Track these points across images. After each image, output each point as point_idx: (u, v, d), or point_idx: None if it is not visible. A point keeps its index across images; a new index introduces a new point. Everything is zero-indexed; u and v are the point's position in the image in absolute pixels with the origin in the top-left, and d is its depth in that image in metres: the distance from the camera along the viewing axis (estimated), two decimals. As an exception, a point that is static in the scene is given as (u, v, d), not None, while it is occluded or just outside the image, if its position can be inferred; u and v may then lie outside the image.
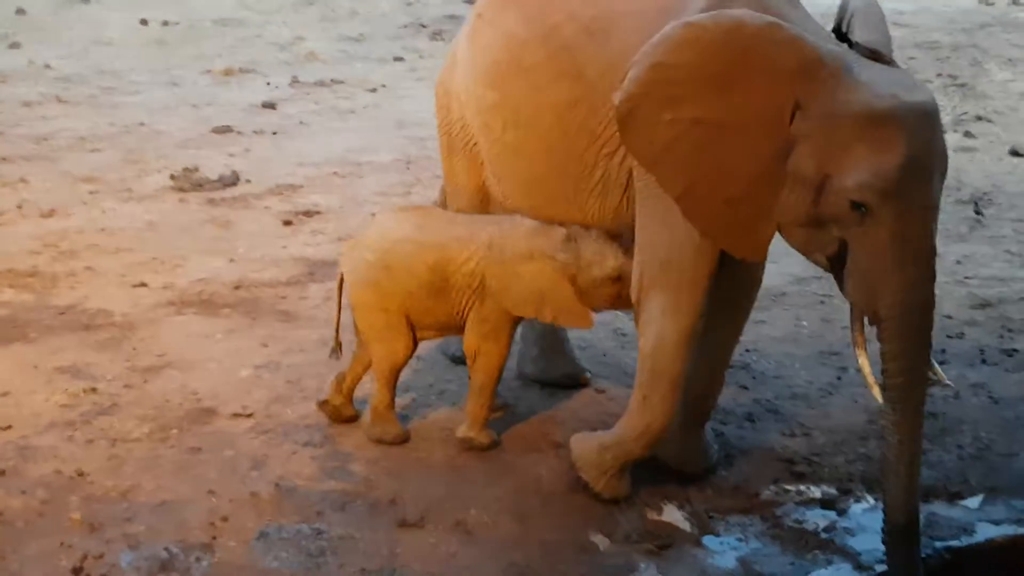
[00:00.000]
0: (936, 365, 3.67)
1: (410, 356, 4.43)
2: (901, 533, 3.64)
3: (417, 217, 4.41)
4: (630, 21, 3.95)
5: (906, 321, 3.50)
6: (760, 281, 4.24)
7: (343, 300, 4.46)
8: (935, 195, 3.49)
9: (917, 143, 3.40)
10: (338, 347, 4.49)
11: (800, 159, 3.52)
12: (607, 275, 4.20)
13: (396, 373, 4.43)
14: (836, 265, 3.61)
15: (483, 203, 4.65)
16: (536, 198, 4.35)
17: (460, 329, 4.40)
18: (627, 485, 4.21)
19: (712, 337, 4.19)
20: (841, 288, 3.65)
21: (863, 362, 3.65)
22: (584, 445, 4.24)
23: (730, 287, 4.13)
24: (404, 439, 4.47)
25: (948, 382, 3.89)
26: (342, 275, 4.41)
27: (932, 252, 3.52)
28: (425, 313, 4.34)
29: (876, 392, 3.61)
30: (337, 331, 4.48)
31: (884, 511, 3.68)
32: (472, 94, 4.46)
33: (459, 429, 4.46)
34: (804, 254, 3.73)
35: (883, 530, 3.68)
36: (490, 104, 4.35)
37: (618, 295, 4.22)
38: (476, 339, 4.35)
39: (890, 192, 3.40)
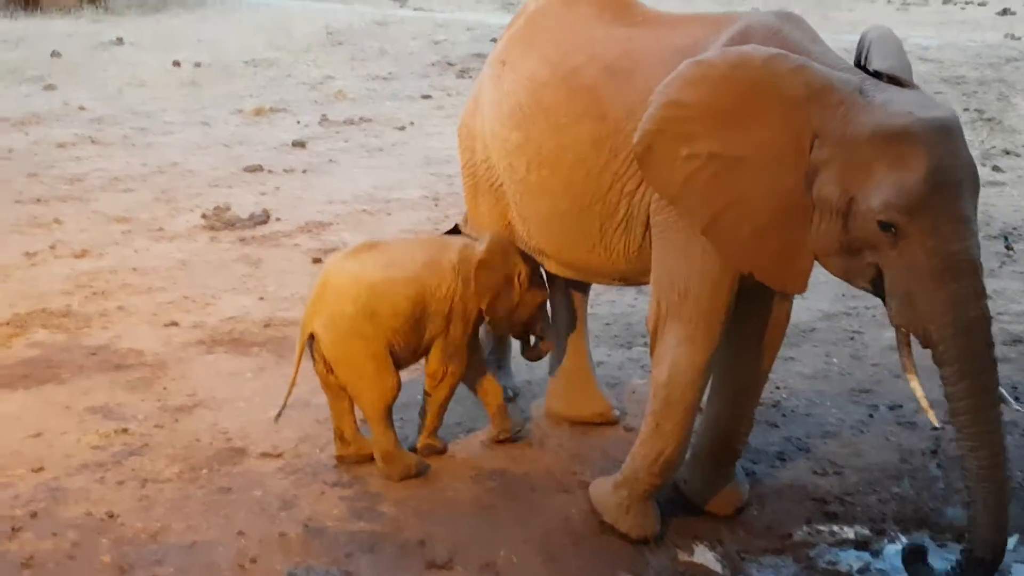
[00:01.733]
0: (1003, 390, 3.52)
1: (400, 388, 4.44)
2: (984, 568, 3.48)
3: (375, 255, 4.38)
4: (651, 62, 4.00)
5: (961, 341, 3.39)
6: (788, 318, 4.22)
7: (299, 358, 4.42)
8: (965, 208, 3.41)
9: (938, 157, 3.37)
10: (280, 414, 4.48)
11: (823, 186, 3.52)
12: (540, 300, 4.62)
13: (391, 409, 4.44)
14: (880, 289, 3.56)
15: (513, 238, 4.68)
16: (561, 237, 4.38)
17: (426, 353, 4.50)
18: (654, 522, 4.18)
19: (741, 375, 4.19)
20: (888, 311, 3.58)
21: (915, 385, 3.54)
22: (600, 489, 4.26)
23: (758, 324, 4.13)
24: (425, 468, 4.50)
25: (1017, 407, 3.79)
26: (310, 337, 4.32)
27: (975, 266, 3.41)
28: (405, 346, 4.39)
29: (931, 415, 3.49)
30: (288, 395, 4.45)
31: (968, 544, 3.51)
32: (497, 136, 4.50)
33: (419, 440, 4.62)
34: (847, 281, 3.70)
35: (962, 562, 3.51)
36: (515, 145, 4.40)
37: (531, 321, 4.63)
38: (443, 361, 4.50)
39: (916, 208, 3.36)
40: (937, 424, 3.52)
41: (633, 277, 4.32)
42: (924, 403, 3.53)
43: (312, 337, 4.35)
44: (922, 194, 3.35)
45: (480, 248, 4.48)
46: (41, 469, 4.46)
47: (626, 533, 4.14)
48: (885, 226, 3.40)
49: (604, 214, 4.15)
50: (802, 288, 3.74)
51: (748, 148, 3.61)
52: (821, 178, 3.53)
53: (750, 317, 4.12)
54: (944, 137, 3.41)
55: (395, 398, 4.42)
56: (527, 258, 4.58)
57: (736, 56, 3.62)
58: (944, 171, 3.37)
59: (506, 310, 4.55)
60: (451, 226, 4.78)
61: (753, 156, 3.61)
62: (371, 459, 4.52)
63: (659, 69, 3.87)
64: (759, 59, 3.58)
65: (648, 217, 4.04)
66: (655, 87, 3.78)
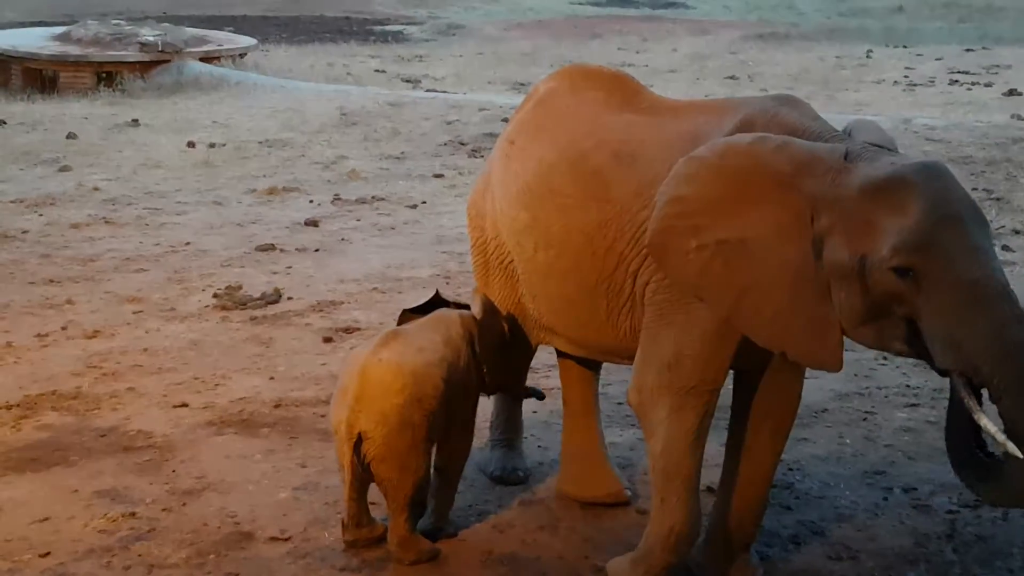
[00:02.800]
0: None
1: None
2: None
3: (405, 342, 4.36)
4: (656, 147, 4.11)
5: (1011, 366, 3.30)
6: (799, 399, 4.20)
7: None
8: (976, 238, 3.41)
9: (932, 192, 3.42)
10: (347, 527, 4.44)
11: (833, 254, 3.56)
12: (525, 356, 4.79)
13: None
14: (918, 347, 3.50)
15: (521, 319, 4.72)
16: (570, 317, 4.42)
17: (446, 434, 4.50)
18: None
19: (752, 457, 4.17)
20: (932, 366, 3.51)
21: (985, 422, 3.36)
22: (617, 567, 4.22)
23: (768, 406, 4.12)
24: (436, 552, 4.46)
25: None
26: (361, 435, 4.22)
27: (1006, 291, 3.37)
28: (439, 427, 4.37)
29: (1012, 447, 3.29)
30: (349, 508, 4.40)
31: None
32: (506, 215, 4.58)
33: (431, 522, 4.59)
34: (883, 349, 3.68)
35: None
36: (523, 225, 4.48)
37: (508, 382, 4.77)
38: (457, 434, 4.52)
39: (925, 244, 3.37)
40: (1020, 454, 3.27)
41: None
42: (999, 437, 3.33)
43: (359, 439, 4.22)
44: (926, 228, 3.38)
45: (476, 310, 4.58)
46: (48, 554, 4.43)
47: None
48: (902, 272, 3.41)
49: (610, 294, 4.20)
50: (838, 365, 3.70)
51: (751, 230, 3.68)
52: (828, 247, 3.57)
53: (760, 399, 4.12)
54: (933, 176, 3.48)
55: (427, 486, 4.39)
56: (509, 319, 4.71)
57: (723, 146, 3.77)
58: (942, 205, 3.41)
59: (497, 368, 4.61)
60: (432, 293, 4.82)
61: (757, 236, 3.68)
62: (380, 542, 4.47)
63: (664, 153, 3.99)
64: (743, 145, 3.73)
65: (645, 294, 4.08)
66: (659, 170, 3.90)
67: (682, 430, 3.94)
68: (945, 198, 3.44)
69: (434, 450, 4.50)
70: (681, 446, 3.95)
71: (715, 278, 3.74)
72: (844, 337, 3.67)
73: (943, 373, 3.50)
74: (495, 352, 4.60)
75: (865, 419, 5.92)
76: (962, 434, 3.55)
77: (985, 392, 3.42)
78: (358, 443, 4.22)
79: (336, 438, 4.31)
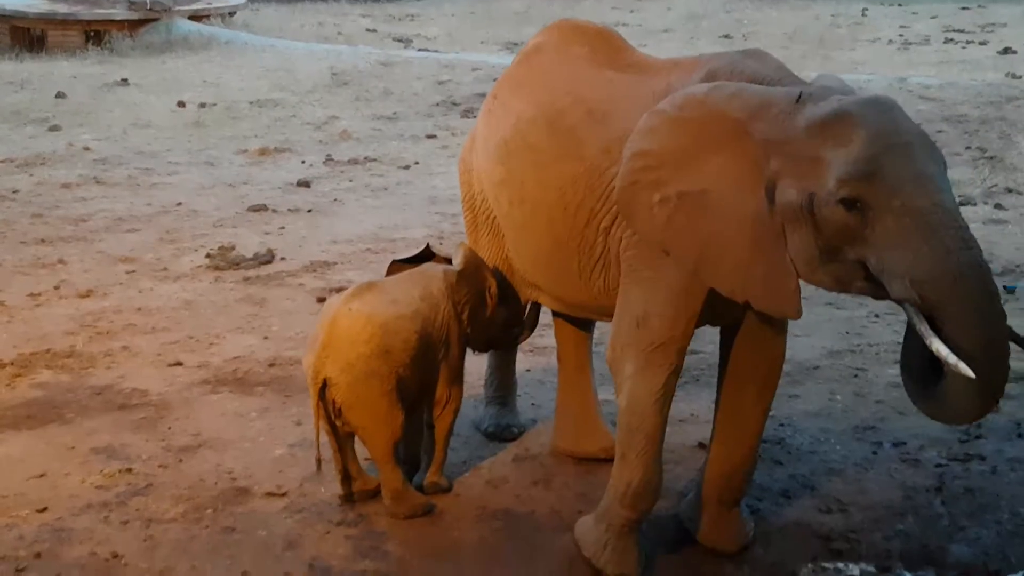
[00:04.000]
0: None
1: (405, 426, 4.44)
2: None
3: (378, 295, 4.41)
4: (629, 104, 4.12)
5: (958, 291, 3.27)
6: (783, 357, 4.21)
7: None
8: (925, 167, 3.36)
9: (877, 124, 3.40)
10: (320, 463, 4.44)
11: (783, 195, 3.55)
12: (513, 313, 4.79)
13: (398, 448, 4.46)
14: (877, 285, 3.46)
15: (509, 274, 4.75)
16: (547, 273, 4.48)
17: (429, 392, 4.54)
18: (633, 561, 4.13)
19: (739, 416, 4.20)
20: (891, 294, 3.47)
21: (938, 347, 3.30)
22: (582, 525, 4.27)
23: (752, 364, 4.15)
24: (431, 507, 4.51)
25: None
26: (324, 382, 4.31)
27: (954, 218, 3.32)
28: (411, 381, 4.41)
29: (964, 367, 3.25)
30: (319, 443, 4.39)
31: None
32: (485, 170, 4.63)
33: (426, 477, 4.64)
34: (843, 290, 3.64)
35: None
36: (499, 180, 4.53)
37: (501, 336, 4.80)
38: (445, 386, 4.57)
39: (870, 173, 3.34)
40: (971, 374, 3.26)
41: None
42: (952, 359, 3.27)
43: (324, 384, 4.32)
44: (871, 156, 3.35)
45: (456, 261, 4.58)
46: (45, 510, 4.46)
47: (601, 569, 4.12)
48: (849, 204, 3.37)
49: (582, 251, 4.23)
50: (796, 312, 3.67)
51: (709, 180, 3.70)
52: (779, 190, 3.56)
53: (743, 358, 4.15)
54: (879, 108, 3.48)
55: (402, 436, 4.43)
56: (496, 273, 4.71)
57: (680, 98, 3.80)
58: (887, 134, 3.39)
59: (480, 324, 4.64)
60: (423, 247, 4.84)
61: (715, 186, 3.69)
62: (375, 496, 4.51)
63: (635, 112, 3.99)
64: (700, 95, 3.76)
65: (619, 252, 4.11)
66: (629, 127, 3.93)
67: (647, 388, 3.97)
68: (890, 128, 3.41)
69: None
70: (646, 403, 3.98)
71: (678, 231, 3.75)
72: (828, 292, 3.66)
73: (898, 302, 3.44)
74: (476, 308, 4.62)
75: (856, 376, 5.96)
76: (916, 358, 3.54)
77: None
78: (324, 389, 4.30)
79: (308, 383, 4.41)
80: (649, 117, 3.84)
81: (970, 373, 3.27)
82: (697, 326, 4.01)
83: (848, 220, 3.40)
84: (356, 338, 4.29)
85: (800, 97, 3.58)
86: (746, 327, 4.10)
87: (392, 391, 4.33)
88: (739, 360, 4.16)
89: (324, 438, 4.43)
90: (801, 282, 3.64)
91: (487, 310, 4.67)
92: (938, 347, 3.31)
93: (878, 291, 3.50)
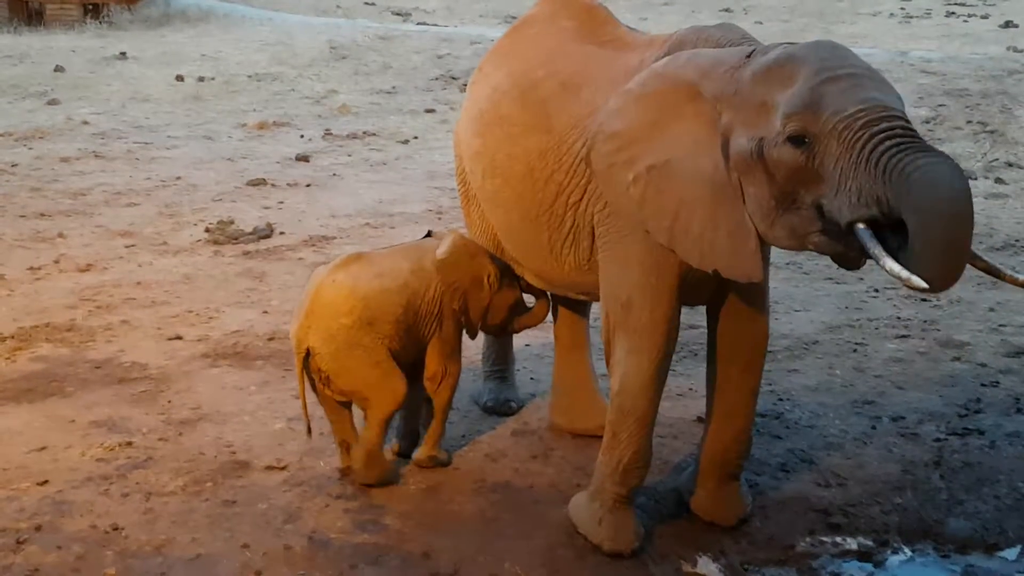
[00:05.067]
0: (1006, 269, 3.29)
1: (407, 392, 4.44)
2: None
3: (364, 266, 4.41)
4: (601, 80, 4.10)
5: (913, 199, 3.07)
6: (765, 336, 4.19)
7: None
8: (869, 92, 3.23)
9: (819, 61, 3.34)
10: (310, 428, 4.43)
11: (736, 146, 3.51)
12: (514, 301, 4.70)
13: (393, 417, 4.47)
14: (833, 238, 3.33)
15: (497, 248, 4.74)
16: (519, 248, 4.48)
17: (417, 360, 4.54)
18: (630, 534, 4.12)
19: (727, 395, 4.21)
20: (848, 259, 3.40)
21: (890, 266, 3.15)
22: (575, 502, 4.29)
23: (736, 343, 4.15)
24: (397, 478, 4.53)
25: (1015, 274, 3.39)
26: (307, 352, 4.31)
27: (907, 132, 3.16)
28: (401, 352, 4.41)
29: (917, 280, 3.11)
30: (306, 410, 4.40)
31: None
32: (465, 141, 4.63)
33: (419, 452, 4.65)
34: (803, 247, 3.48)
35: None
36: (474, 151, 4.54)
37: (507, 321, 4.73)
38: (440, 361, 4.56)
39: (814, 103, 3.26)
40: (925, 286, 3.12)
41: (591, 290, 4.31)
42: (904, 274, 3.13)
43: (308, 353, 4.34)
44: (813, 87, 3.28)
45: (441, 249, 4.53)
46: (46, 482, 4.47)
47: (598, 545, 4.13)
48: (797, 140, 3.29)
49: (552, 226, 4.23)
50: (756, 273, 3.59)
51: (672, 148, 3.68)
52: (732, 144, 3.52)
53: (727, 338, 4.15)
54: (821, 47, 3.44)
55: (403, 402, 4.44)
56: (497, 260, 4.66)
57: (644, 75, 3.80)
58: (831, 68, 3.32)
59: (476, 311, 4.62)
60: (425, 232, 4.82)
61: (678, 154, 3.67)
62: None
63: (606, 87, 3.99)
64: (659, 68, 3.76)
65: (594, 229, 4.09)
66: (599, 103, 3.93)
67: (638, 371, 3.97)
68: (834, 63, 3.34)
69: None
70: (636, 386, 3.99)
71: (651, 206, 3.73)
72: (820, 255, 3.54)
73: (848, 233, 3.26)
74: (471, 294, 4.57)
75: (855, 350, 5.96)
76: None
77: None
78: (308, 357, 4.32)
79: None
80: (616, 97, 3.84)
81: (923, 285, 3.15)
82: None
83: (797, 158, 3.31)
84: (338, 309, 4.30)
85: (750, 55, 3.56)
86: (727, 307, 4.10)
87: (384, 361, 4.34)
88: (723, 340, 4.17)
89: (321, 410, 4.45)
90: (797, 258, 3.60)
91: (483, 298, 4.62)
92: (891, 266, 3.17)
93: (833, 244, 3.38)
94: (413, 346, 4.47)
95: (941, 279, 3.15)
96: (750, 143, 3.44)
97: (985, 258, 3.35)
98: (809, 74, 3.32)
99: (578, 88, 4.16)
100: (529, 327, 4.90)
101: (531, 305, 4.86)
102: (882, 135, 3.18)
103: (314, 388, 4.43)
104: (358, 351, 4.31)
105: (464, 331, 4.69)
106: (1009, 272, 3.34)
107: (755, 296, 4.09)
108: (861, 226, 3.23)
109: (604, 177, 3.83)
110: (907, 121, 3.25)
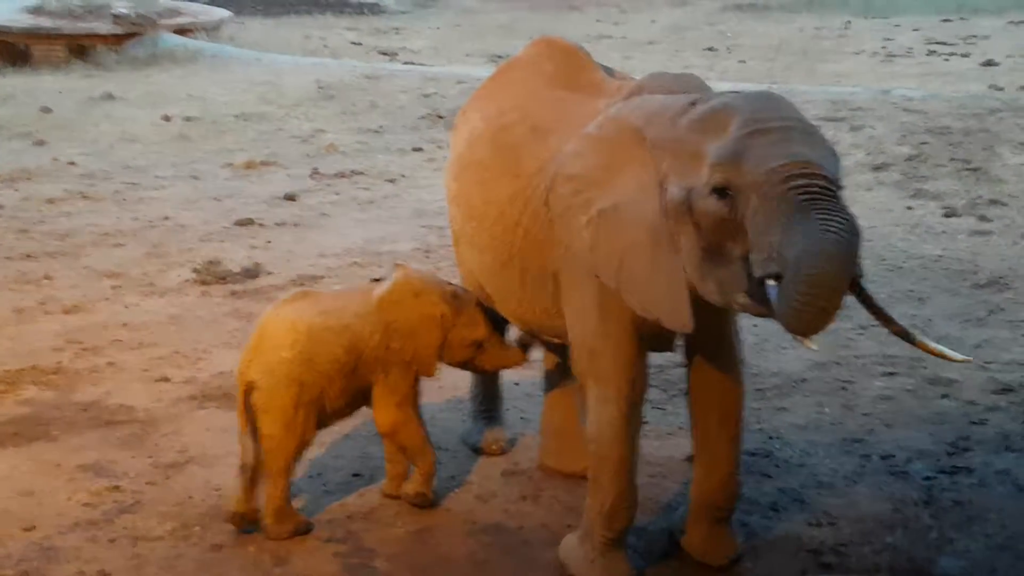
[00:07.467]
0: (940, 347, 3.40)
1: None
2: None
3: (310, 303, 4.39)
4: (569, 124, 4.10)
5: (803, 272, 3.14)
6: (740, 386, 4.17)
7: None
8: (797, 148, 3.23)
9: (751, 113, 3.34)
10: (243, 467, 4.36)
11: (669, 194, 3.52)
12: (474, 339, 4.53)
13: (295, 464, 4.40)
14: (759, 298, 3.32)
15: (480, 288, 4.69)
16: (495, 290, 4.48)
17: (355, 408, 4.49)
18: (623, 574, 4.13)
19: (708, 443, 4.20)
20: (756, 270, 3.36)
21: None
22: (566, 545, 4.27)
23: (711, 393, 4.14)
24: (311, 526, 4.43)
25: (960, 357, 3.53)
26: (249, 385, 4.28)
27: (830, 199, 3.18)
28: (338, 397, 4.37)
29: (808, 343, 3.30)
30: (243, 448, 4.34)
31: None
32: (447, 184, 4.69)
33: (408, 487, 4.58)
34: (729, 303, 3.48)
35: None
36: (452, 195, 4.60)
37: (472, 359, 4.59)
38: (392, 412, 4.46)
39: (738, 154, 3.27)
40: (815, 347, 3.34)
41: (563, 334, 4.26)
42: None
43: (248, 388, 4.29)
44: (740, 138, 3.29)
45: (379, 289, 4.49)
46: (32, 528, 4.43)
47: None
48: (720, 192, 3.30)
49: (522, 269, 4.24)
50: (689, 325, 3.58)
51: (620, 192, 3.69)
52: (668, 192, 3.53)
53: (701, 388, 4.14)
54: (757, 98, 3.46)
55: (304, 453, 4.39)
56: (460, 296, 4.54)
57: (601, 119, 3.84)
58: (761, 120, 3.32)
59: (428, 349, 4.47)
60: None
61: (624, 199, 3.68)
62: (296, 533, 4.40)
63: (573, 132, 4.00)
64: (613, 113, 3.80)
65: (556, 274, 4.12)
66: (564, 147, 3.95)
67: (608, 419, 3.97)
68: (766, 115, 3.34)
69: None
70: (608, 435, 3.98)
71: (602, 249, 3.73)
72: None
73: (760, 283, 3.28)
74: (420, 333, 4.43)
75: (843, 388, 5.97)
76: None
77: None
78: (250, 393, 4.28)
79: None
80: (575, 141, 3.87)
81: (813, 346, 3.36)
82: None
83: (720, 209, 3.32)
84: (280, 343, 4.27)
85: (695, 102, 3.58)
86: (697, 359, 4.10)
87: (311, 403, 4.29)
88: (697, 392, 4.17)
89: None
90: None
91: (437, 336, 4.47)
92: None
93: (757, 307, 3.38)
94: (353, 390, 4.40)
95: (798, 325, 3.26)
96: (680, 192, 3.46)
97: (900, 322, 3.42)
98: (739, 124, 3.34)
99: (547, 133, 4.19)
100: (504, 368, 4.81)
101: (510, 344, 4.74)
102: (796, 191, 3.20)
103: (250, 425, 4.32)
104: (295, 388, 4.25)
105: (420, 375, 4.54)
106: (920, 338, 3.42)
107: (723, 347, 4.08)
108: (771, 283, 3.27)
109: (563, 220, 3.86)
110: (829, 179, 3.25)
